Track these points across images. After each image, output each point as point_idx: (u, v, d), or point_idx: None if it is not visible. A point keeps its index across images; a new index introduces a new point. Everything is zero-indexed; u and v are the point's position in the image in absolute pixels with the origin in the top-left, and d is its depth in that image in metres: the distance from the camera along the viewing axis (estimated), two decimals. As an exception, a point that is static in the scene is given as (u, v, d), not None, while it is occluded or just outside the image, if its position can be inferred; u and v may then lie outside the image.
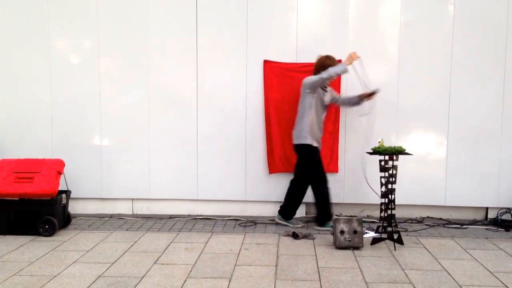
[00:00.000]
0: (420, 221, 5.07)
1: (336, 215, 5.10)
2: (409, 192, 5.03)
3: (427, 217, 5.18)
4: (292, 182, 4.82)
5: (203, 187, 5.26)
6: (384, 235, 4.19)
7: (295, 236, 4.45)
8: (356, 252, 4.04)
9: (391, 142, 4.95)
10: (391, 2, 4.98)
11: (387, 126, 5.04)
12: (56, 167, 4.66)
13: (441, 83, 5.00)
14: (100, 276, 3.48)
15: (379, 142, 4.27)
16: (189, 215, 5.32)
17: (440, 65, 4.98)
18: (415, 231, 4.70)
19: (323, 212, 4.74)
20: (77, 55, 5.23)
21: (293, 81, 5.02)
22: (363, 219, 4.58)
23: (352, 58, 4.51)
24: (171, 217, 5.25)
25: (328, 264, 3.74)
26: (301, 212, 5.26)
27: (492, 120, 5.00)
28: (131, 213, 5.40)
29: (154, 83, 5.19)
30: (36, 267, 3.66)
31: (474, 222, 5.03)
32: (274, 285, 3.32)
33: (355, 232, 4.09)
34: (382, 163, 4.14)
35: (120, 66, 5.20)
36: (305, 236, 4.45)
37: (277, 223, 4.92)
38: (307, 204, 5.26)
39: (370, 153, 4.28)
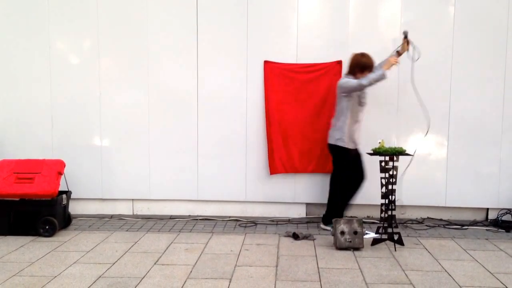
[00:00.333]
0: (420, 222, 5.06)
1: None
2: (409, 193, 5.03)
3: (428, 217, 5.18)
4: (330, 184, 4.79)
5: (204, 188, 5.26)
6: (385, 236, 4.19)
7: (295, 236, 4.45)
8: (356, 253, 4.04)
9: (391, 143, 4.94)
10: (391, 2, 4.98)
11: (387, 127, 5.04)
12: (57, 167, 4.66)
13: (441, 83, 4.99)
14: (100, 277, 3.48)
15: (379, 142, 4.27)
16: (189, 215, 5.32)
17: (440, 65, 4.97)
18: (416, 231, 4.70)
19: (332, 213, 4.67)
20: (77, 55, 5.23)
21: (294, 82, 5.02)
22: (363, 219, 4.58)
23: (390, 63, 4.39)
24: (171, 217, 5.25)
25: (328, 265, 3.74)
26: (301, 212, 5.27)
27: (492, 120, 4.99)
28: (131, 213, 5.40)
29: (154, 83, 5.18)
30: (36, 268, 3.66)
31: (474, 223, 5.03)
32: (274, 286, 3.31)
33: (355, 233, 4.09)
34: (383, 163, 4.14)
35: (120, 66, 5.20)
36: (305, 237, 4.45)
37: (322, 228, 4.82)
38: (307, 204, 5.26)
39: (371, 154, 4.28)
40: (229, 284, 3.35)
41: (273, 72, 5.05)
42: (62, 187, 4.71)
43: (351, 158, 4.63)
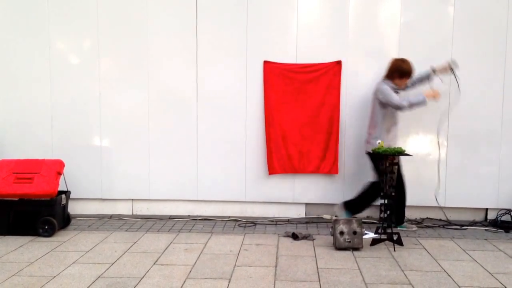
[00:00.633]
0: (419, 222, 5.06)
1: (335, 216, 5.10)
2: (408, 193, 5.02)
3: (427, 218, 5.17)
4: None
5: (203, 188, 5.26)
6: (384, 236, 4.19)
7: (294, 237, 4.45)
8: (355, 253, 4.04)
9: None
10: (391, 2, 4.98)
11: (387, 127, 5.03)
12: (56, 167, 4.66)
13: (440, 83, 4.99)
14: (99, 277, 3.48)
15: (378, 143, 4.27)
16: (188, 215, 5.32)
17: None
18: (415, 231, 4.70)
19: (356, 205, 4.68)
20: (77, 55, 5.23)
21: (293, 82, 5.02)
22: (362, 220, 4.57)
23: (432, 95, 4.42)
24: (170, 217, 5.25)
25: (327, 265, 3.74)
26: (300, 212, 5.26)
27: (492, 120, 4.99)
28: (130, 213, 5.40)
29: (154, 83, 5.18)
30: (35, 268, 3.66)
31: (473, 223, 5.03)
32: (274, 286, 3.31)
33: (354, 233, 4.09)
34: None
35: (120, 66, 5.20)
36: (304, 237, 4.45)
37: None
38: (307, 204, 5.26)
39: (370, 154, 4.28)
40: (228, 284, 3.35)
41: (273, 72, 5.05)
42: (61, 187, 4.72)
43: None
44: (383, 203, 4.16)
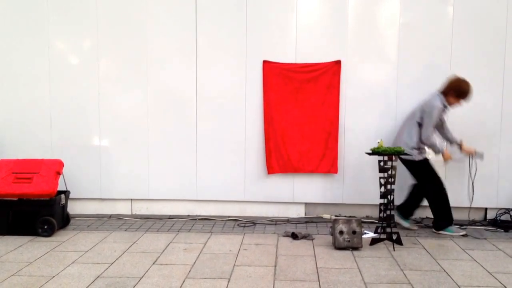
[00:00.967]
0: (419, 221, 5.06)
1: (335, 216, 5.11)
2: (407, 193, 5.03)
3: (426, 217, 5.17)
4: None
5: (202, 188, 5.26)
6: (383, 236, 4.19)
7: (294, 236, 4.45)
8: (355, 252, 4.04)
9: (390, 143, 4.94)
10: (391, 2, 4.98)
11: (386, 127, 5.03)
12: (55, 167, 4.66)
13: (440, 83, 4.99)
14: (98, 277, 3.48)
15: (378, 142, 4.27)
16: (188, 215, 5.31)
17: (440, 65, 4.97)
18: (414, 231, 4.70)
19: (408, 208, 4.74)
20: (77, 55, 5.23)
21: (293, 82, 5.02)
22: (362, 219, 4.57)
23: (446, 157, 4.60)
24: (170, 217, 5.25)
25: (327, 265, 3.74)
26: (300, 212, 5.26)
27: (491, 120, 5.00)
28: (130, 213, 5.40)
29: (154, 83, 5.18)
30: (35, 268, 3.66)
31: (473, 223, 5.03)
32: (273, 286, 3.31)
33: (354, 232, 4.09)
34: (382, 163, 4.15)
35: (119, 66, 5.20)
36: (304, 237, 4.45)
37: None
38: (306, 204, 5.26)
39: (370, 154, 4.29)
40: (228, 284, 3.35)
41: (272, 72, 5.05)
42: (61, 187, 4.72)
43: (430, 166, 4.64)
44: (382, 202, 4.16)
